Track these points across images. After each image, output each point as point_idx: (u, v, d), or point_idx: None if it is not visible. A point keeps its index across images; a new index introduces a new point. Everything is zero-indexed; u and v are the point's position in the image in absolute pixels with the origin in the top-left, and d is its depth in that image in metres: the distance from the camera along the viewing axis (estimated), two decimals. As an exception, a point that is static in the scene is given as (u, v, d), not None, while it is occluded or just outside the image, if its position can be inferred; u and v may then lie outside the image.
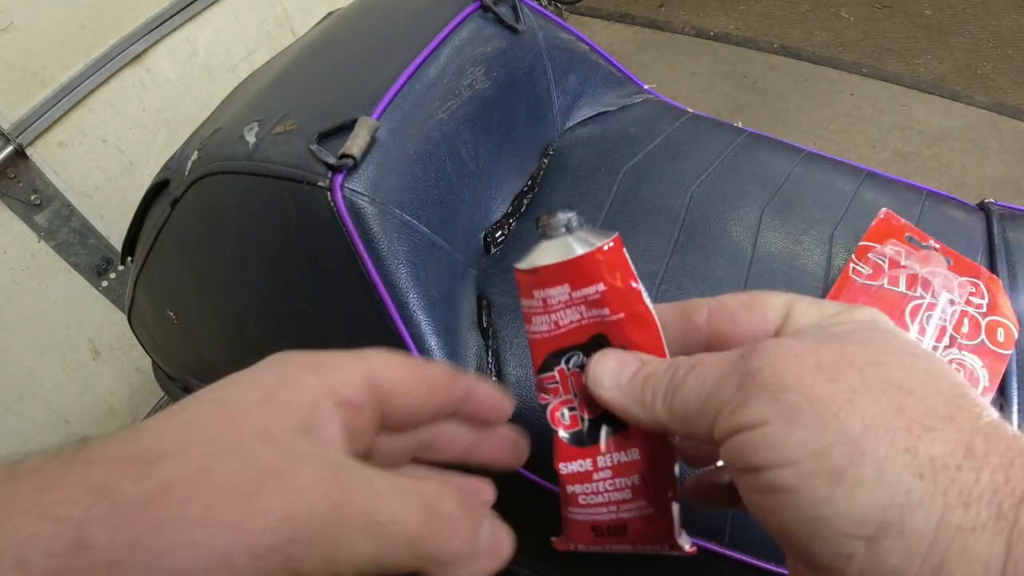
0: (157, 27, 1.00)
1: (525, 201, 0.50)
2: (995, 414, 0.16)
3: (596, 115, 0.59)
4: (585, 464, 0.22)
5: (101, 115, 0.99)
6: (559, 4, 1.96)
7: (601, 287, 0.21)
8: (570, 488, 0.23)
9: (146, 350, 0.74)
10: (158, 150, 1.09)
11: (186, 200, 0.49)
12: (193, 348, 0.60)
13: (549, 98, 0.53)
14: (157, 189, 0.56)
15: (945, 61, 1.65)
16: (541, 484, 0.41)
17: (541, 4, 1.16)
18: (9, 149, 0.88)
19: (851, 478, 0.15)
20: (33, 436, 1.08)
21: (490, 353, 0.42)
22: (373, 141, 0.40)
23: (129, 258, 0.65)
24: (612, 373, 0.21)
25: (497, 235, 0.48)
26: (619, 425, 0.22)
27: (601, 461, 0.22)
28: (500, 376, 0.42)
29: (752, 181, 0.53)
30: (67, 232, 1.01)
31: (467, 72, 0.45)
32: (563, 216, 0.20)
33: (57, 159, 0.96)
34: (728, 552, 0.39)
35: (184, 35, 1.06)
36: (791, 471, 0.16)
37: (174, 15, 1.02)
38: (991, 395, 0.41)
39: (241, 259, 0.46)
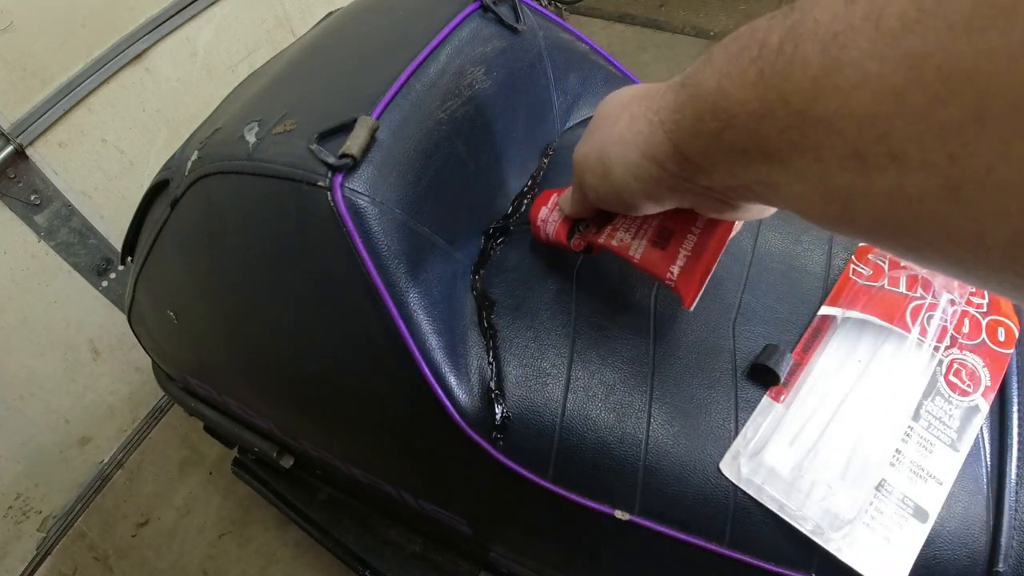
0: (157, 27, 1.00)
1: (526, 201, 0.50)
2: None
3: (596, 115, 0.59)
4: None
5: (101, 115, 0.99)
6: (559, 4, 1.96)
7: None
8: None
9: (146, 350, 0.74)
10: (158, 150, 1.09)
11: (186, 200, 0.49)
12: (193, 348, 0.60)
13: (549, 98, 0.53)
14: (157, 189, 0.56)
15: (945, 61, 1.65)
16: (546, 487, 0.41)
17: (541, 4, 1.16)
18: (9, 149, 0.88)
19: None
20: (33, 436, 1.08)
21: (490, 353, 0.42)
22: (373, 141, 0.40)
23: (129, 258, 0.65)
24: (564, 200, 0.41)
25: (497, 235, 0.48)
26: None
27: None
28: (500, 376, 0.42)
29: (752, 181, 0.53)
30: (67, 232, 1.01)
31: (467, 72, 0.45)
32: None
33: (57, 159, 0.96)
34: (728, 552, 0.39)
35: (184, 35, 1.06)
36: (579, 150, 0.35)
37: (174, 15, 1.02)
38: (992, 395, 0.41)
39: (241, 259, 0.46)
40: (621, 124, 0.30)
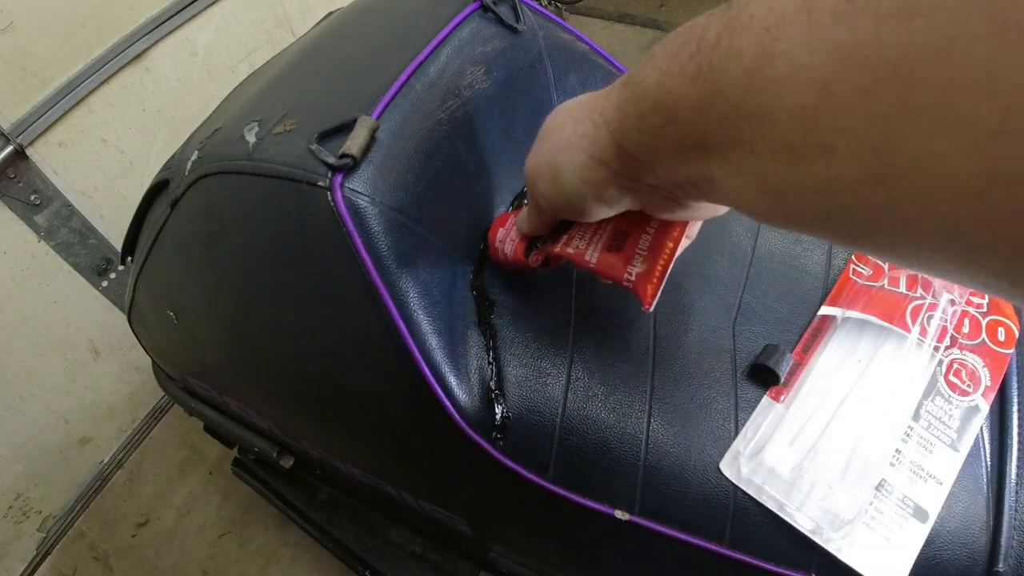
0: (157, 27, 1.00)
1: (525, 201, 0.50)
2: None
3: (596, 115, 0.59)
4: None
5: (101, 115, 0.99)
6: (559, 4, 1.96)
7: None
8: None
9: (146, 350, 0.74)
10: (158, 150, 1.09)
11: (186, 200, 0.49)
12: (193, 348, 0.60)
13: (549, 98, 0.53)
14: (157, 189, 0.56)
15: (945, 61, 1.65)
16: (546, 487, 0.41)
17: (541, 4, 1.16)
18: (9, 149, 0.88)
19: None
20: (33, 436, 1.08)
21: (490, 353, 0.42)
22: (373, 141, 0.40)
23: (129, 258, 0.65)
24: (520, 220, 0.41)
25: (497, 235, 0.48)
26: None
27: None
28: (500, 376, 0.42)
29: (752, 181, 0.53)
30: (67, 232, 1.01)
31: (467, 72, 0.45)
32: None
33: (57, 159, 0.96)
34: (728, 552, 0.39)
35: (184, 35, 1.06)
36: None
37: (174, 15, 1.02)
38: (992, 395, 0.41)
39: (241, 259, 0.46)
40: (567, 129, 0.31)
